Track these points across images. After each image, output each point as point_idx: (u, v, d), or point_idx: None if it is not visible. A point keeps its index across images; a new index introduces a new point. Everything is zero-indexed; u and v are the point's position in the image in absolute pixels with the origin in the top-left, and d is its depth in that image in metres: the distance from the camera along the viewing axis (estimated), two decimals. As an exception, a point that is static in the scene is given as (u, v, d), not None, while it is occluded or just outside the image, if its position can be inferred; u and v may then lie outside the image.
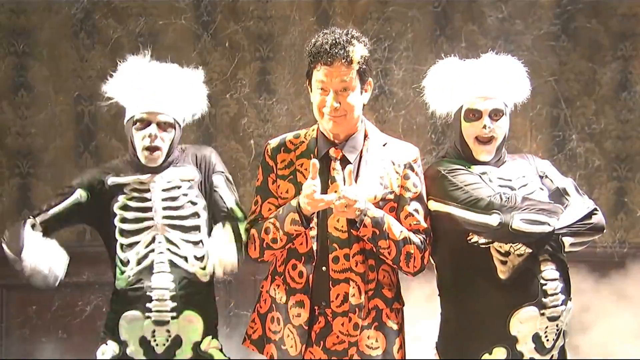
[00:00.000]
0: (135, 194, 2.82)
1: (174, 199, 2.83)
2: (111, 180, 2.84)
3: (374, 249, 2.65)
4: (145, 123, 2.80)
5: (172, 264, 2.76)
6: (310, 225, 2.65)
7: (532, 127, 4.86)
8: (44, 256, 2.72)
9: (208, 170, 2.90)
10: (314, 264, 2.67)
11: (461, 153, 2.85)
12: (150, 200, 2.82)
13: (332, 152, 2.72)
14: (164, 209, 2.81)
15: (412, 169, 2.74)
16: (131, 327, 2.75)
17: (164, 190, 2.83)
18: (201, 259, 2.80)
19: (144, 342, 2.75)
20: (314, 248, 2.67)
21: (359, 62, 2.63)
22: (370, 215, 2.59)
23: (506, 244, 2.69)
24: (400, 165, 2.74)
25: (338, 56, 2.60)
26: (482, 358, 2.72)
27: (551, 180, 2.87)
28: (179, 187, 2.85)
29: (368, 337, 2.67)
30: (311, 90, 2.71)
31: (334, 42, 2.61)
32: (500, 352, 2.72)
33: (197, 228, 2.83)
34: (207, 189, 2.88)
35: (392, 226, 2.64)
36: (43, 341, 4.62)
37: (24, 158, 4.72)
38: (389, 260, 2.67)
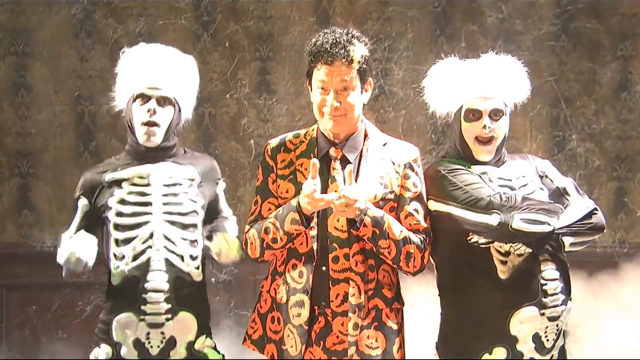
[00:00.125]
0: (134, 188, 2.82)
1: (175, 194, 2.83)
2: (109, 176, 2.83)
3: (374, 249, 2.65)
4: (145, 99, 2.81)
5: (168, 262, 2.75)
6: (311, 225, 2.65)
7: (532, 127, 4.86)
8: (78, 243, 2.71)
9: (212, 177, 2.93)
10: (314, 263, 2.68)
11: (461, 153, 2.85)
12: (150, 195, 2.81)
13: (332, 151, 2.72)
14: (165, 204, 2.81)
15: (412, 169, 2.75)
16: (125, 330, 2.74)
17: (165, 185, 2.83)
18: (196, 258, 2.80)
19: (138, 344, 2.74)
20: (314, 248, 2.67)
21: (359, 62, 2.63)
22: (370, 214, 2.59)
23: (506, 243, 2.69)
24: (400, 165, 2.74)
25: (338, 56, 2.60)
26: (482, 358, 2.72)
27: (551, 180, 2.87)
28: (180, 184, 2.85)
29: (368, 337, 2.67)
30: (311, 90, 2.71)
31: (334, 41, 2.61)
32: (500, 352, 2.72)
33: (194, 226, 2.83)
34: (210, 196, 2.90)
35: (392, 226, 2.64)
36: (43, 341, 4.62)
37: (24, 158, 4.72)
38: (388, 260, 2.67)
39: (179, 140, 2.97)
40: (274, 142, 2.83)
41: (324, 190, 2.64)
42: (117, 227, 2.78)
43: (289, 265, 2.72)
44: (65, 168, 4.70)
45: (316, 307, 2.68)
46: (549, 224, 2.64)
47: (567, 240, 2.69)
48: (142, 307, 2.72)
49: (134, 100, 2.83)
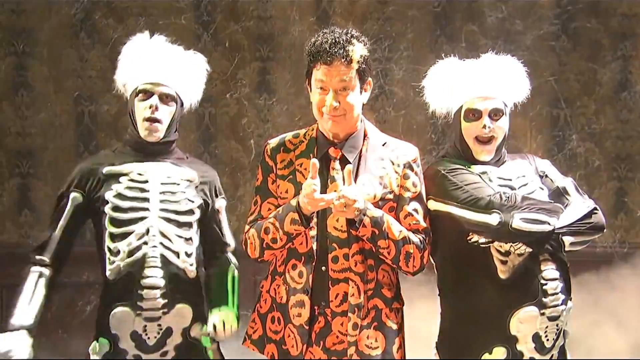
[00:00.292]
0: (133, 184, 2.81)
1: (172, 193, 2.83)
2: (107, 169, 2.82)
3: (374, 249, 2.64)
4: (147, 94, 2.81)
5: (164, 258, 2.75)
6: (310, 225, 2.65)
7: (532, 127, 4.87)
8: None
9: (212, 191, 2.93)
10: (313, 263, 2.67)
11: (461, 153, 2.85)
12: (148, 191, 2.81)
13: (331, 151, 2.72)
14: (162, 201, 2.81)
15: (412, 169, 2.74)
16: (122, 324, 2.73)
17: (162, 183, 2.83)
18: (191, 255, 2.80)
19: (135, 336, 2.74)
20: (314, 248, 2.67)
21: (358, 62, 2.63)
22: (369, 214, 2.59)
23: (506, 243, 2.69)
24: (400, 165, 2.73)
25: (338, 55, 2.60)
26: (482, 358, 2.72)
27: (551, 180, 2.87)
28: (177, 184, 2.85)
29: (367, 337, 2.67)
30: (311, 90, 2.71)
31: (333, 41, 2.61)
32: (500, 352, 2.71)
33: (190, 224, 2.82)
34: (209, 211, 2.91)
35: (392, 226, 2.63)
36: (43, 341, 4.61)
37: (24, 158, 4.73)
38: (388, 260, 2.67)
39: (180, 141, 2.97)
40: (273, 142, 2.83)
41: (324, 190, 2.63)
42: (113, 221, 2.77)
43: (289, 266, 2.72)
44: (65, 168, 4.68)
45: (316, 307, 2.68)
46: (549, 224, 2.64)
47: (567, 239, 2.69)
48: (139, 303, 2.72)
49: (136, 95, 2.82)
